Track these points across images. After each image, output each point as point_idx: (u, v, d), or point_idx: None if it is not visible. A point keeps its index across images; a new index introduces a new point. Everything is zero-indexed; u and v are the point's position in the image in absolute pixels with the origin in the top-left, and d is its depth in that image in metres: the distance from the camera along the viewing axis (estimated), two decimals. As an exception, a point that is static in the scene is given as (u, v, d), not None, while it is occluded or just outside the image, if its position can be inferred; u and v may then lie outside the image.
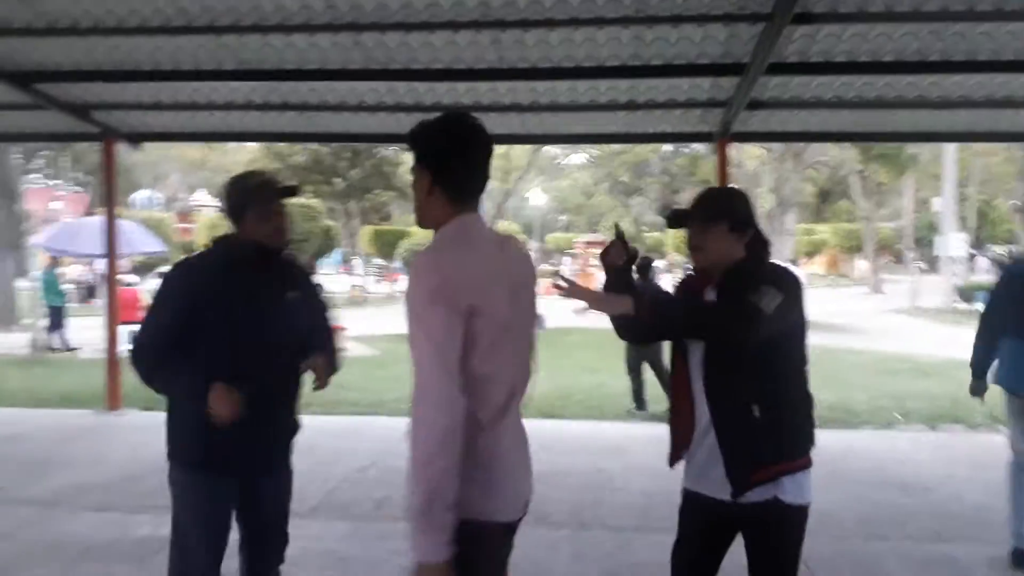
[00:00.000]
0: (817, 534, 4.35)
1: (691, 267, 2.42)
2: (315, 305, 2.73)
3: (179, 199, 49.30)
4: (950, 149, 25.79)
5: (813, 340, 2.35)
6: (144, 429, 6.95)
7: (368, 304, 28.01)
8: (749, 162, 32.48)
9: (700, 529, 2.33)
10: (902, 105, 6.42)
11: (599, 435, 6.89)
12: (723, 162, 7.51)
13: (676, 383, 2.32)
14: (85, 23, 5.38)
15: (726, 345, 2.16)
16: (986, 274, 32.58)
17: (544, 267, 37.79)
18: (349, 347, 13.52)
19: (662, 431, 2.42)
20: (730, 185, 7.36)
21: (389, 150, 30.13)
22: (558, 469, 5.49)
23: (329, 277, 32.30)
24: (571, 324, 18.93)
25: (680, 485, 2.36)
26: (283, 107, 7.02)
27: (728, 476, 2.17)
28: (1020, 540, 3.91)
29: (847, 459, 5.98)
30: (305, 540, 4.25)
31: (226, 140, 16.66)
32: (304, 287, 2.67)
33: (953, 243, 25.23)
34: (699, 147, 31.33)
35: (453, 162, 1.83)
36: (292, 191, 2.56)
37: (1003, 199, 45.42)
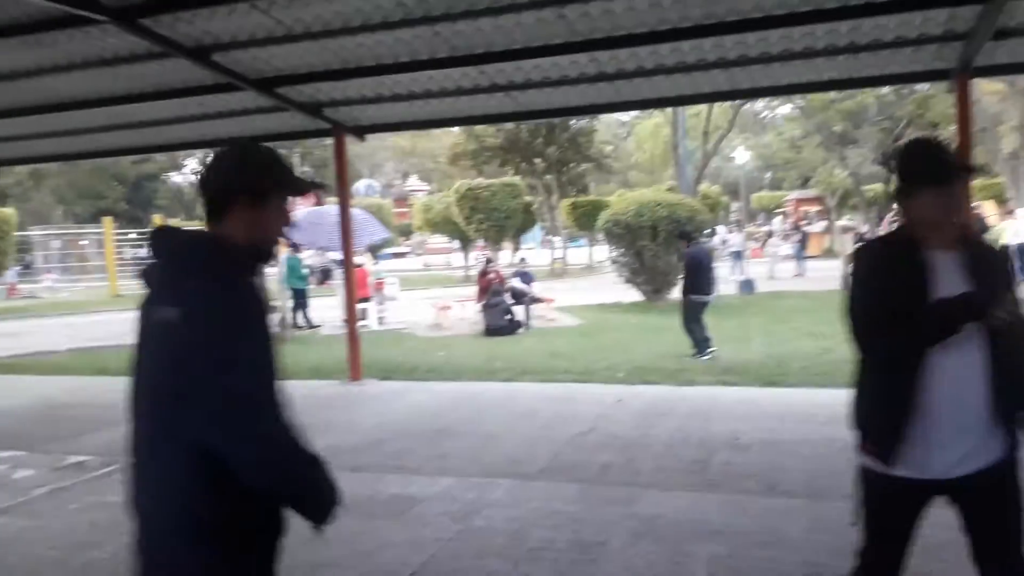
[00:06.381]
0: None
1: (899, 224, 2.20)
2: None
3: (394, 186, 52.85)
4: None
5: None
6: (382, 397, 7.60)
7: (568, 276, 28.51)
8: (987, 98, 28.88)
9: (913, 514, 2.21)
10: None
11: (825, 403, 6.52)
12: (964, 101, 6.73)
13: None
14: (316, 27, 5.89)
15: None
16: None
17: (751, 228, 36.19)
18: (556, 317, 13.83)
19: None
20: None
21: (582, 122, 30.19)
22: (792, 438, 5.35)
23: (531, 251, 33.26)
24: (783, 288, 18.09)
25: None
26: (491, 88, 7.26)
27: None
28: None
29: None
30: (537, 501, 4.46)
31: (441, 126, 17.46)
32: None
33: None
34: (925, 86, 28.32)
35: None
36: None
37: None
